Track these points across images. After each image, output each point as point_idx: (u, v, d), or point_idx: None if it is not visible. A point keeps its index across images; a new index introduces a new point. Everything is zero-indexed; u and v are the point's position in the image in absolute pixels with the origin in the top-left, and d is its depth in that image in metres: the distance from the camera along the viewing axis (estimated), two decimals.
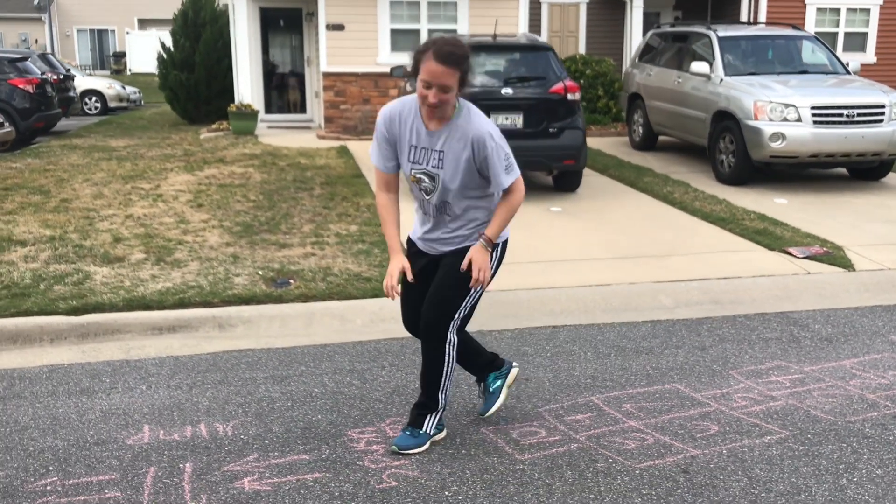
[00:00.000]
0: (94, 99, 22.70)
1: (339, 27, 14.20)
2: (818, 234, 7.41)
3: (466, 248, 3.48)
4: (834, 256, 6.73)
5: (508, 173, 3.41)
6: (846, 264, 6.57)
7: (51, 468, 3.45)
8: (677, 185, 9.61)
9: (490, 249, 3.47)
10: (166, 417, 3.97)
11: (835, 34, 16.41)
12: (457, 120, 3.39)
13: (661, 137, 12.49)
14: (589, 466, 3.44)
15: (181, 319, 5.43)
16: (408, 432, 3.64)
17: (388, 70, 14.32)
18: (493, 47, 9.03)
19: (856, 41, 16.72)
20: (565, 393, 4.22)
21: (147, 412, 4.03)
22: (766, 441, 3.67)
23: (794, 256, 6.77)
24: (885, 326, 5.31)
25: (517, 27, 14.38)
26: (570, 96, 8.67)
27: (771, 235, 7.36)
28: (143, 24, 43.62)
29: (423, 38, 14.51)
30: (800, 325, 5.36)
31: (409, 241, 3.74)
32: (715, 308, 5.76)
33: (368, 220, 7.92)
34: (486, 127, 3.38)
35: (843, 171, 10.51)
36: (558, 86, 8.65)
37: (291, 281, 6.07)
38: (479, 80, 8.76)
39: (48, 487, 3.28)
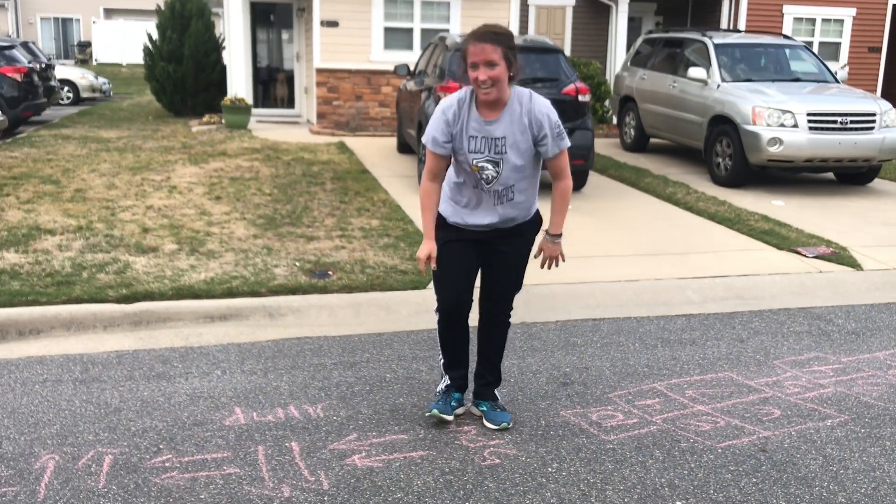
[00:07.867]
0: (66, 89, 22.36)
1: (334, 24, 14.29)
2: (822, 235, 7.77)
3: (519, 228, 3.75)
4: (841, 256, 7.08)
5: (559, 139, 3.59)
6: (854, 264, 6.92)
7: (161, 446, 3.57)
8: (678, 186, 9.93)
9: (559, 241, 3.74)
10: (253, 400, 4.10)
11: (810, 43, 16.95)
12: (513, 105, 3.54)
13: (651, 139, 12.83)
14: (674, 446, 3.68)
15: (232, 308, 5.54)
16: (491, 408, 3.89)
17: (380, 68, 14.52)
18: None
19: (829, 50, 17.30)
20: (628, 380, 4.46)
21: (232, 395, 4.16)
22: (829, 424, 3.94)
23: (804, 256, 7.11)
24: None
25: (509, 28, 14.63)
26: (581, 98, 8.93)
27: (778, 235, 7.69)
28: (110, 13, 42.79)
29: (417, 37, 14.69)
30: (824, 319, 5.67)
31: (450, 225, 3.76)
32: (740, 303, 6.04)
33: (387, 214, 8.08)
34: (545, 109, 3.56)
35: (831, 175, 10.95)
36: (570, 87, 8.90)
37: (330, 273, 6.22)
38: None
39: (167, 464, 3.41)
